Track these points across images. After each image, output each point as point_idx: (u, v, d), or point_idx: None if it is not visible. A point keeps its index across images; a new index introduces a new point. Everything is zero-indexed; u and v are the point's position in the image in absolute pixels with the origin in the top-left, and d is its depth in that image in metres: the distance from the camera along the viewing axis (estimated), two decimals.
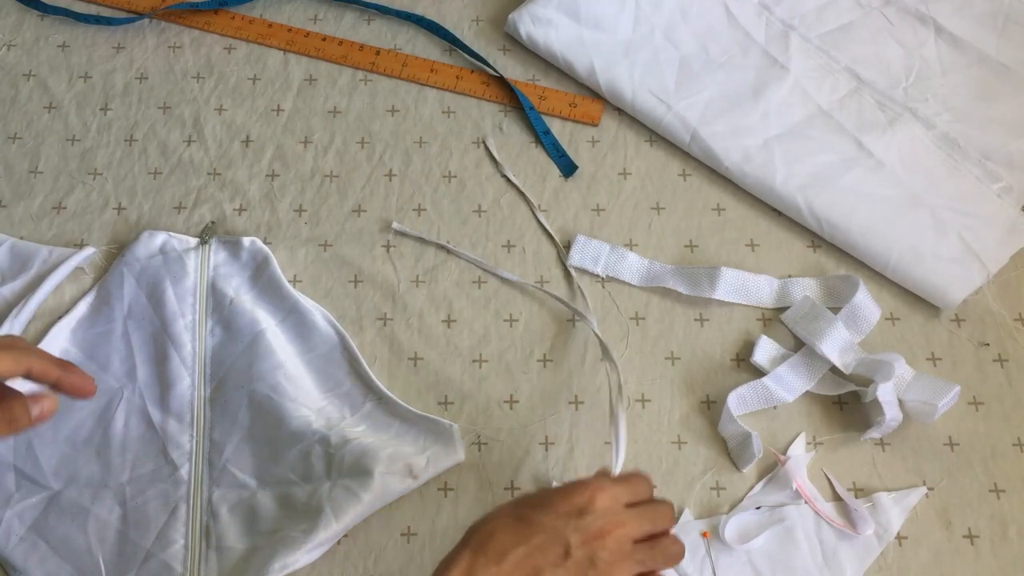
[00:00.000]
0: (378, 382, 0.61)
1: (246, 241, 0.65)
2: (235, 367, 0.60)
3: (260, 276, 0.64)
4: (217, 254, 0.64)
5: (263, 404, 0.59)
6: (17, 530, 0.56)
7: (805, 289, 0.64)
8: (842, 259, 0.66)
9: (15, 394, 0.49)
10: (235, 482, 0.57)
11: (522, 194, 0.68)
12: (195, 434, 0.59)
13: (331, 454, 0.57)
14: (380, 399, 0.60)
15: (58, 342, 0.61)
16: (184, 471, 0.58)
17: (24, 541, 0.56)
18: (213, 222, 0.67)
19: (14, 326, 0.61)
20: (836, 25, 0.74)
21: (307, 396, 0.60)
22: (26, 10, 0.77)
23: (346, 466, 0.57)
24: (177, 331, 0.61)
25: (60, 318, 0.62)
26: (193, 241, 0.65)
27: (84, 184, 0.69)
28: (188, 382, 0.60)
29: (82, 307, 0.63)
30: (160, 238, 0.64)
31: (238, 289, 0.63)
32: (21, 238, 0.66)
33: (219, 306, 0.62)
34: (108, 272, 0.64)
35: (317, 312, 0.63)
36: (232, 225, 0.67)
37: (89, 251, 0.65)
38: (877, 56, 0.73)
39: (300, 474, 0.57)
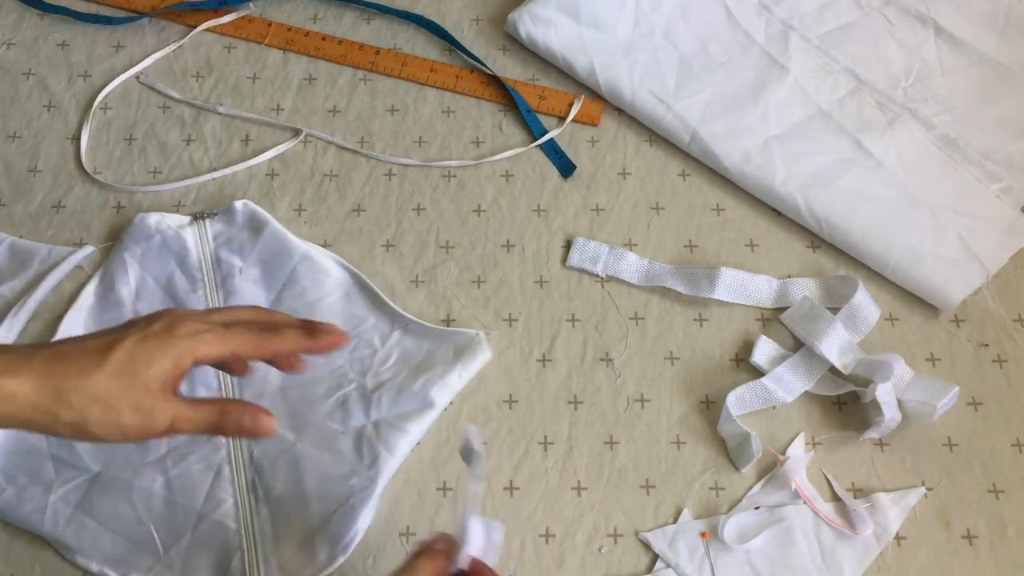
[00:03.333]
0: (400, 310, 0.62)
1: (238, 204, 0.65)
2: None
3: (261, 234, 0.64)
4: (213, 226, 0.65)
5: None
6: (63, 512, 0.56)
7: (804, 289, 0.64)
8: (841, 259, 0.66)
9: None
10: (273, 436, 0.58)
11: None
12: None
13: (367, 398, 0.59)
14: (406, 327, 0.62)
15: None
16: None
17: (72, 522, 0.56)
18: (205, 211, 0.66)
19: (13, 325, 0.61)
20: (836, 25, 0.74)
21: None
22: (26, 9, 0.77)
23: (384, 407, 0.59)
24: (193, 306, 0.62)
25: (67, 312, 0.62)
26: (186, 219, 0.65)
27: (83, 183, 0.69)
28: None
29: (88, 298, 0.63)
30: (153, 218, 0.65)
31: (244, 255, 0.63)
32: (20, 237, 0.66)
33: (229, 277, 0.63)
34: (108, 260, 0.64)
35: (326, 256, 0.64)
36: None
37: (88, 250, 0.65)
38: (877, 56, 0.72)
39: (339, 420, 0.59)
